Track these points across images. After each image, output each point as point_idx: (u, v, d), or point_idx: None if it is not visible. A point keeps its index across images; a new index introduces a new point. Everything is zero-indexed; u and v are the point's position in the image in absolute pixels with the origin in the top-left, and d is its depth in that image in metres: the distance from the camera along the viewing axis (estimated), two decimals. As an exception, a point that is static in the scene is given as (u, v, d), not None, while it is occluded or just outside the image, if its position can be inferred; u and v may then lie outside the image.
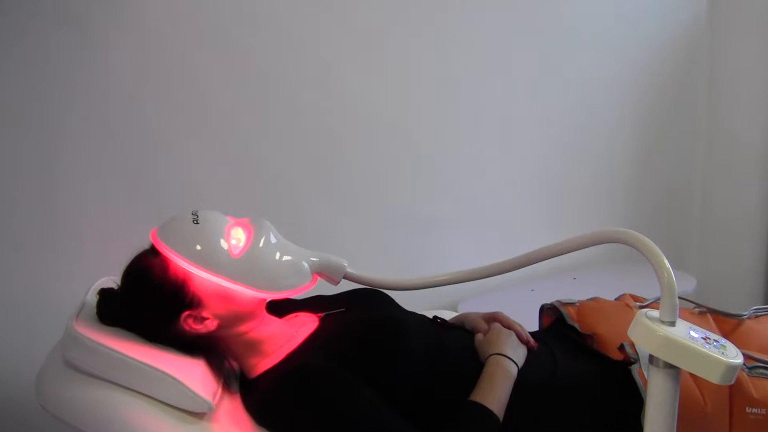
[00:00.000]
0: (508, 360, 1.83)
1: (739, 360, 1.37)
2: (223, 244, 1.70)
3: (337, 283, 1.86)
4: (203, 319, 1.71)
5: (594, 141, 3.80)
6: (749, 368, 1.94)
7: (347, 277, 1.85)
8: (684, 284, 3.51)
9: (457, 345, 1.93)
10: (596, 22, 3.69)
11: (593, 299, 2.25)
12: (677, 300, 1.40)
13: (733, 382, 1.38)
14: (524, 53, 3.43)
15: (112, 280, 1.84)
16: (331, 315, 1.92)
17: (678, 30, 4.06)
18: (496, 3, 3.29)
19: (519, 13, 3.39)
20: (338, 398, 1.64)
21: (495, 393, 1.76)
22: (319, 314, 1.93)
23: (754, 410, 1.90)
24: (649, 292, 2.21)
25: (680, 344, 1.36)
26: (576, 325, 2.12)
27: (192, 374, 1.69)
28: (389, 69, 3.02)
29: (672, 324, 1.39)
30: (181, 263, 1.67)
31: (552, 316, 2.27)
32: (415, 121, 3.13)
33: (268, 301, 1.81)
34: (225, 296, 1.71)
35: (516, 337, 1.94)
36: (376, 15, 2.95)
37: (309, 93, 2.83)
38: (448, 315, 2.25)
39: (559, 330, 2.17)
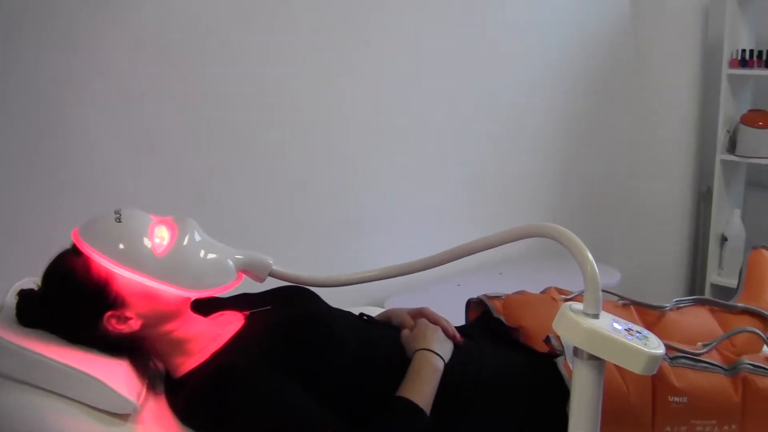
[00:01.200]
0: (435, 355, 1.84)
1: (660, 351, 1.39)
2: (147, 242, 1.68)
3: (262, 280, 1.85)
4: (127, 319, 1.69)
5: (519, 137, 3.83)
6: (671, 358, 1.97)
7: (273, 274, 1.84)
8: (608, 277, 3.56)
9: (384, 341, 1.93)
10: (523, 19, 3.73)
11: (519, 293, 2.27)
12: (600, 293, 1.42)
13: (655, 372, 1.41)
14: (451, 50, 3.45)
15: (33, 281, 1.80)
16: (257, 313, 1.91)
17: (602, 27, 4.12)
18: (428, 9, 3.30)
19: (446, 10, 3.40)
20: (265, 396, 1.63)
21: (422, 388, 1.77)
22: (245, 312, 1.91)
23: (676, 399, 1.93)
24: (575, 286, 2.24)
25: (604, 336, 1.37)
26: (502, 318, 2.14)
27: (115, 375, 1.66)
28: (318, 68, 3.01)
29: (596, 316, 1.41)
30: (103, 262, 1.65)
31: (478, 310, 2.28)
32: (342, 119, 3.12)
33: (192, 299, 1.79)
34: (149, 295, 1.69)
35: (442, 332, 1.95)
36: (305, 14, 2.94)
37: (235, 92, 2.81)
38: (374, 311, 2.25)
39: (485, 324, 2.18)
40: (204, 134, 2.75)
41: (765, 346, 2.21)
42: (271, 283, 1.90)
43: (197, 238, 1.75)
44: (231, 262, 1.77)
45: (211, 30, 2.71)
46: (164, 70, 2.63)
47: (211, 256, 1.75)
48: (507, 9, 3.67)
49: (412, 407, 1.72)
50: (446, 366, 1.85)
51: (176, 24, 2.64)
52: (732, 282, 3.94)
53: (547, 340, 1.95)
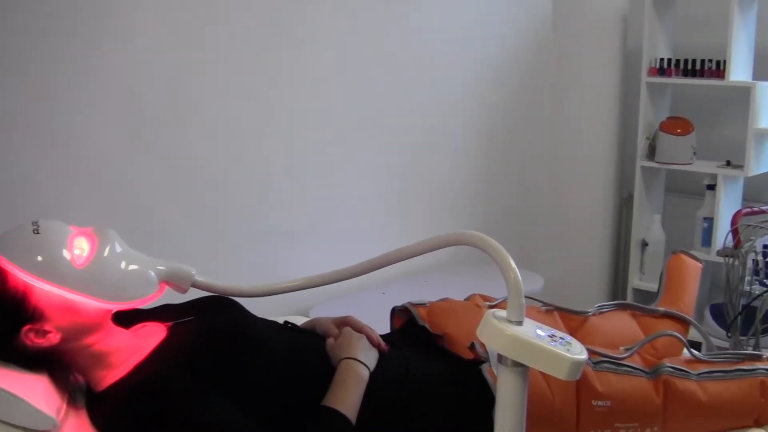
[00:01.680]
0: (360, 364, 1.84)
1: (583, 356, 1.41)
2: (66, 254, 1.65)
3: (185, 291, 1.83)
4: (45, 332, 1.65)
5: (441, 145, 3.85)
6: (594, 363, 2.00)
7: (196, 285, 1.82)
8: (531, 283, 3.59)
9: (309, 350, 1.92)
10: (445, 26, 3.74)
11: (444, 300, 2.28)
12: (524, 300, 1.43)
13: (579, 378, 1.42)
14: (373, 57, 3.45)
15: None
16: (180, 324, 1.88)
17: (524, 35, 4.16)
18: (344, 4, 3.29)
19: (366, 15, 3.40)
20: (188, 409, 1.61)
21: (347, 397, 1.77)
22: (168, 324, 1.88)
23: (600, 403, 1.96)
24: (498, 292, 2.25)
25: (527, 343, 1.38)
26: (427, 326, 2.15)
27: (34, 390, 1.62)
28: (238, 76, 2.99)
29: (519, 323, 1.42)
30: (20, 275, 1.61)
31: (403, 318, 2.28)
32: (264, 127, 3.10)
33: (114, 311, 1.76)
34: (68, 308, 1.65)
35: (367, 341, 1.95)
36: (222, 17, 2.91)
37: (155, 99, 2.77)
38: (299, 320, 2.24)
39: (410, 331, 2.19)
40: (124, 143, 2.71)
41: (685, 350, 2.25)
42: (194, 294, 1.88)
43: (118, 249, 1.72)
44: (153, 273, 1.75)
45: (130, 37, 2.67)
46: (82, 76, 2.59)
47: (132, 267, 1.72)
48: (428, 17, 3.68)
49: (338, 417, 1.72)
50: (371, 374, 1.85)
51: (96, 29, 2.59)
52: (653, 286, 3.99)
53: (472, 347, 1.96)
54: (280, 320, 2.07)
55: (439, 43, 3.73)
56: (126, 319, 1.85)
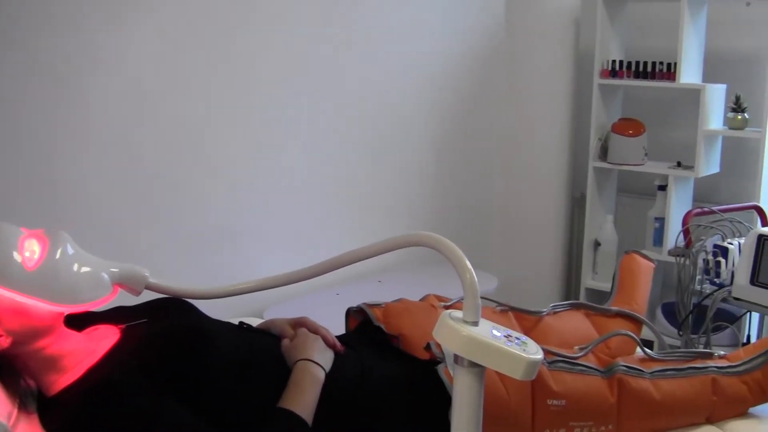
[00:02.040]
0: (315, 365, 1.83)
1: (539, 356, 1.41)
2: (16, 256, 1.62)
3: (138, 293, 1.81)
4: (-5, 336, 1.62)
5: (396, 146, 3.85)
6: (549, 363, 2.01)
7: (149, 287, 1.80)
8: (486, 284, 3.60)
9: (264, 351, 1.91)
10: (398, 27, 3.75)
11: (399, 300, 2.28)
12: (479, 301, 1.43)
13: (534, 377, 1.42)
14: (324, 60, 3.44)
15: None
16: (133, 326, 1.86)
17: (477, 37, 4.17)
18: (294, 10, 3.28)
19: (318, 17, 3.39)
20: (142, 413, 1.59)
21: (303, 398, 1.76)
22: (121, 326, 1.86)
23: (555, 402, 1.97)
24: (453, 293, 2.26)
25: (483, 343, 1.38)
26: (382, 326, 2.15)
27: (-16, 395, 1.60)
28: (187, 77, 2.97)
29: (475, 324, 1.42)
30: (-32, 279, 1.58)
31: (358, 319, 2.28)
32: (218, 130, 3.08)
33: (66, 314, 1.73)
34: (19, 311, 1.62)
35: (323, 342, 1.94)
36: (173, 20, 2.89)
37: (106, 99, 2.74)
38: (254, 322, 2.22)
39: (365, 332, 2.18)
40: (72, 143, 2.68)
41: (638, 348, 2.27)
42: (148, 296, 1.86)
43: (70, 251, 1.69)
44: (106, 276, 1.72)
45: (75, 32, 2.64)
46: (29, 68, 2.55)
47: (84, 269, 1.70)
48: (380, 18, 3.68)
49: (294, 418, 1.71)
50: (327, 375, 1.84)
51: (39, 20, 2.56)
52: (606, 286, 4.04)
53: (428, 348, 1.96)
54: (235, 322, 2.05)
55: (392, 45, 3.74)
56: (78, 321, 1.82)
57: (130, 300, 1.87)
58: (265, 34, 3.20)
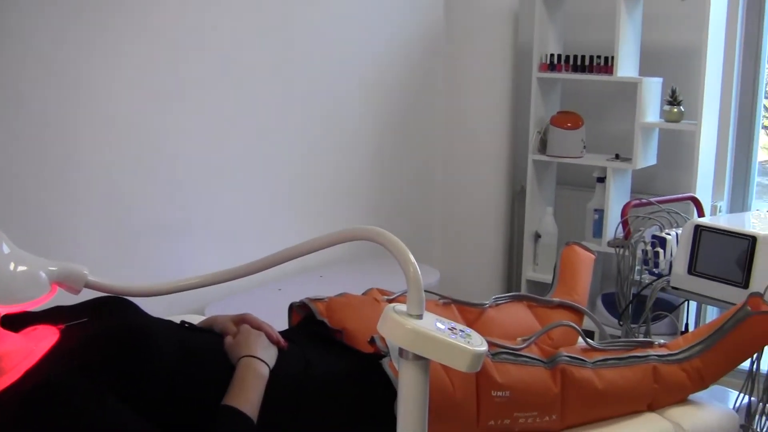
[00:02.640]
0: (259, 361, 1.82)
1: (483, 348, 1.42)
2: (-50, 256, 1.59)
3: (77, 292, 1.78)
4: (-71, 338, 1.59)
5: (337, 141, 3.84)
6: (493, 354, 2.03)
7: (89, 285, 1.78)
8: (428, 277, 3.61)
9: (206, 349, 1.89)
10: (338, 19, 3.74)
11: (342, 295, 2.27)
12: (423, 294, 1.43)
13: (479, 369, 1.43)
14: (263, 56, 3.42)
15: None
16: (73, 326, 1.83)
17: (417, 31, 4.18)
18: (233, 5, 3.26)
19: (258, 10, 3.37)
20: (83, 414, 1.56)
21: (247, 396, 1.75)
22: (60, 326, 1.83)
23: (499, 393, 1.99)
24: (396, 286, 2.26)
25: (428, 336, 1.39)
26: (326, 321, 2.14)
27: None
28: (127, 71, 2.93)
29: (419, 317, 1.42)
30: None
31: (301, 314, 2.27)
32: (157, 126, 3.05)
33: (2, 314, 1.70)
34: (-47, 312, 1.60)
35: (266, 338, 1.93)
36: (117, 15, 2.86)
37: (42, 94, 2.70)
38: (195, 319, 2.20)
39: (308, 327, 2.17)
40: (7, 140, 2.63)
41: (580, 338, 2.29)
42: (87, 295, 1.83)
43: (6, 250, 1.66)
44: (44, 274, 1.70)
45: (16, 32, 2.60)
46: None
47: (21, 268, 1.66)
48: (319, 12, 3.67)
49: (239, 415, 1.70)
50: (271, 372, 1.83)
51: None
52: (546, 277, 4.07)
53: (372, 341, 1.96)
54: (177, 319, 2.03)
55: (331, 39, 3.73)
56: (16, 322, 1.79)
57: (70, 299, 1.84)
58: (203, 30, 3.17)
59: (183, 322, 2.01)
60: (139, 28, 2.96)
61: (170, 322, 1.97)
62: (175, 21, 3.07)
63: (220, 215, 3.33)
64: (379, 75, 4.01)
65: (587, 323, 2.62)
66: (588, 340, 2.27)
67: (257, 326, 1.98)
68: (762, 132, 4.18)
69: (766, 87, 4.03)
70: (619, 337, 2.93)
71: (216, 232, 3.31)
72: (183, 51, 3.11)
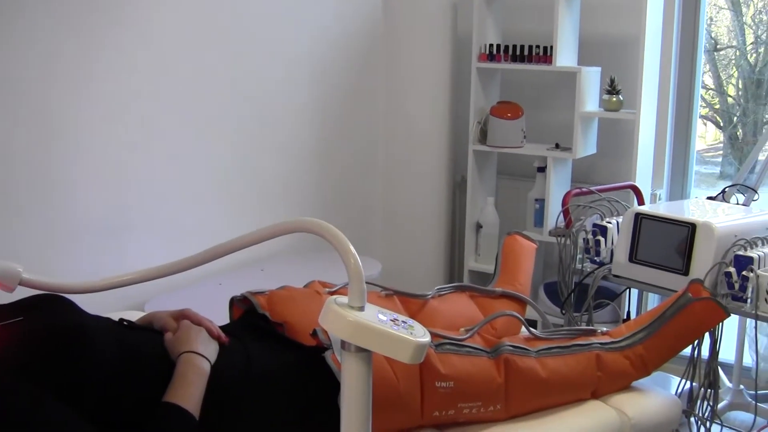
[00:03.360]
0: (200, 357, 1.80)
1: (426, 339, 1.41)
2: None
3: (12, 290, 1.75)
4: None
5: (278, 134, 3.82)
6: (436, 345, 2.02)
7: (24, 283, 1.74)
8: (370, 268, 3.60)
9: (146, 346, 1.86)
10: (273, 9, 3.70)
11: (283, 288, 2.25)
12: (365, 285, 1.42)
13: (422, 360, 1.42)
14: (202, 47, 3.39)
15: None
16: (8, 325, 1.79)
17: (355, 22, 4.16)
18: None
19: (198, 7, 3.33)
20: (21, 415, 1.53)
21: (188, 392, 1.73)
22: (-6, 325, 1.79)
23: (443, 384, 1.99)
24: (337, 278, 2.25)
25: (370, 328, 1.38)
26: (267, 314, 2.12)
27: None
28: (59, 66, 2.89)
29: (361, 309, 1.41)
30: None
31: (242, 307, 2.25)
32: (97, 120, 3.01)
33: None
34: None
35: (206, 333, 1.91)
36: (44, 6, 2.80)
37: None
38: (135, 315, 2.17)
39: (250, 321, 2.15)
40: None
41: (523, 328, 2.30)
42: (22, 293, 1.79)
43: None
44: (-25, 273, 1.66)
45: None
46: None
47: (-48, 266, 1.63)
48: (258, 4, 3.63)
49: (180, 412, 1.68)
50: (213, 367, 1.81)
51: None
52: (488, 267, 4.08)
53: (314, 334, 1.95)
54: (115, 317, 1.99)
55: (269, 31, 3.69)
56: (-53, 322, 1.75)
57: (4, 297, 1.80)
58: (141, 24, 3.13)
59: (121, 320, 1.98)
60: (78, 24, 2.91)
61: (108, 319, 1.93)
62: (112, 16, 3.02)
63: (160, 210, 3.29)
64: (318, 67, 3.98)
65: (530, 312, 2.63)
66: (531, 329, 2.27)
67: (197, 321, 1.96)
68: (699, 121, 4.23)
69: (702, 76, 4.07)
70: (562, 326, 2.94)
71: (157, 228, 3.27)
72: (119, 46, 3.07)
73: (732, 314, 2.52)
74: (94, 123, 3.02)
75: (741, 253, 2.57)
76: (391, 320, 1.43)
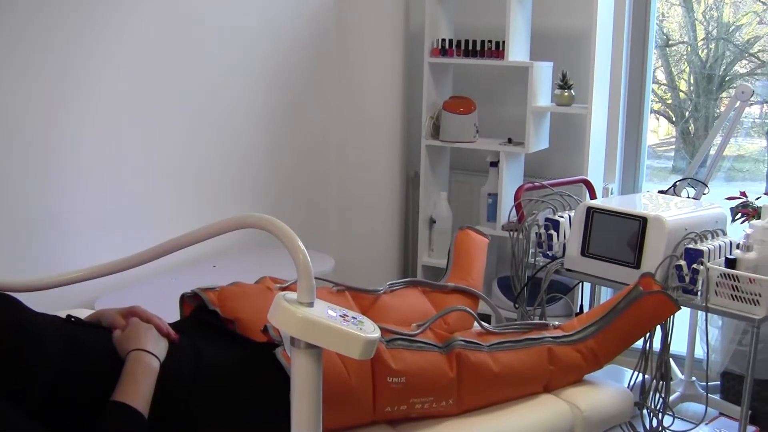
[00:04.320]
0: (149, 354, 1.78)
1: (376, 334, 1.41)
2: None
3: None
4: None
5: (230, 130, 3.79)
6: (387, 341, 2.02)
7: (-35, 281, 1.71)
8: (322, 264, 3.58)
9: (94, 344, 1.84)
10: (225, 5, 3.67)
11: (234, 284, 2.25)
12: (314, 281, 1.41)
13: (372, 356, 1.41)
14: (153, 42, 3.35)
15: None
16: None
17: (306, 16, 4.13)
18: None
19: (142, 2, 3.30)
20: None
21: (137, 390, 1.71)
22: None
23: (395, 379, 1.99)
24: (289, 275, 2.23)
25: (319, 324, 1.37)
26: (218, 310, 2.11)
27: None
28: (17, 63, 2.85)
29: (310, 305, 1.40)
30: None
31: (193, 304, 2.23)
32: (44, 117, 2.97)
33: None
34: None
35: (155, 331, 1.89)
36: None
37: None
38: (84, 313, 2.14)
39: (201, 317, 2.14)
40: None
41: (476, 323, 2.30)
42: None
43: None
44: None
45: None
46: None
47: None
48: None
49: (129, 411, 1.67)
50: (162, 365, 1.80)
51: None
52: (443, 262, 4.07)
53: (265, 330, 1.94)
54: (64, 314, 1.96)
55: (219, 25, 3.66)
56: None
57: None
58: (92, 19, 3.09)
59: (69, 317, 1.95)
60: (25, 23, 2.87)
61: (55, 317, 1.91)
62: (59, 14, 2.98)
63: (109, 206, 3.25)
64: (268, 61, 3.96)
65: (485, 307, 2.64)
66: (483, 323, 2.28)
67: (146, 319, 1.94)
68: (652, 116, 4.26)
69: (655, 72, 4.10)
70: (515, 320, 2.95)
71: (103, 225, 3.23)
72: (66, 42, 3.02)
73: (683, 307, 2.55)
74: (36, 117, 2.97)
75: (691, 246, 2.59)
76: (341, 316, 1.42)
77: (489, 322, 2.52)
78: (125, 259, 1.72)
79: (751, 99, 3.24)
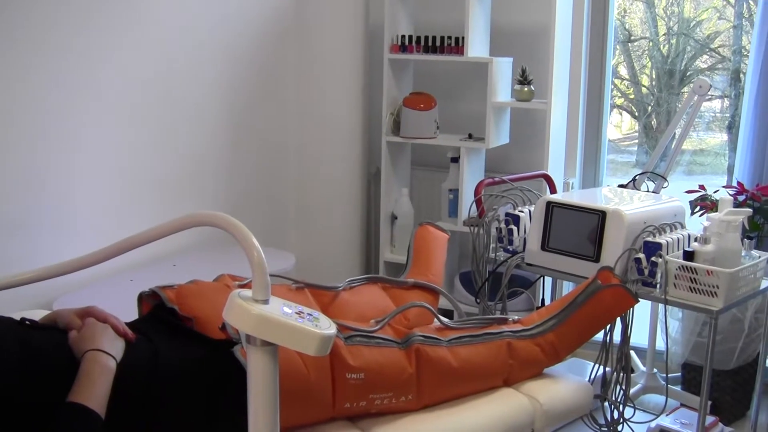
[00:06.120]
0: (105, 354, 1.77)
1: (332, 331, 1.41)
2: None
3: None
4: None
5: (190, 128, 3.76)
6: (346, 337, 2.03)
7: None
8: (283, 262, 3.57)
9: (49, 345, 1.82)
10: (185, 4, 3.65)
11: (192, 282, 2.24)
12: (269, 278, 1.41)
13: (328, 353, 1.41)
14: (108, 37, 3.32)
15: None
16: None
17: (266, 10, 4.11)
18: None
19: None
20: None
21: (94, 390, 1.70)
22: None
23: (354, 375, 2.00)
24: (249, 272, 2.22)
25: (274, 321, 1.37)
26: (176, 308, 2.09)
27: None
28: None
29: (265, 302, 1.40)
30: None
31: (151, 302, 2.22)
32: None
33: None
34: None
35: (112, 330, 1.88)
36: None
37: None
38: (40, 314, 2.12)
39: (159, 316, 2.13)
40: None
41: (435, 319, 2.30)
42: None
43: None
44: None
45: None
46: None
47: None
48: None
49: (85, 411, 1.65)
50: (119, 365, 1.78)
51: None
52: (404, 259, 4.07)
53: (223, 328, 1.94)
54: (17, 316, 1.94)
55: (176, 20, 3.63)
56: None
57: None
58: (47, 13, 3.05)
59: (23, 319, 1.93)
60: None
61: (9, 319, 1.89)
62: (13, 10, 2.95)
63: (68, 205, 3.22)
64: (227, 58, 3.93)
65: (446, 302, 2.64)
66: (442, 318, 2.28)
67: (103, 319, 1.93)
68: (615, 111, 4.29)
69: (617, 67, 4.13)
70: (476, 315, 2.96)
71: (59, 224, 3.20)
72: (23, 39, 2.99)
73: (642, 299, 2.57)
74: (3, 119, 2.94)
75: (650, 239, 2.61)
76: (296, 313, 1.42)
77: (451, 318, 2.52)
78: (79, 259, 1.70)
79: (710, 93, 3.27)
